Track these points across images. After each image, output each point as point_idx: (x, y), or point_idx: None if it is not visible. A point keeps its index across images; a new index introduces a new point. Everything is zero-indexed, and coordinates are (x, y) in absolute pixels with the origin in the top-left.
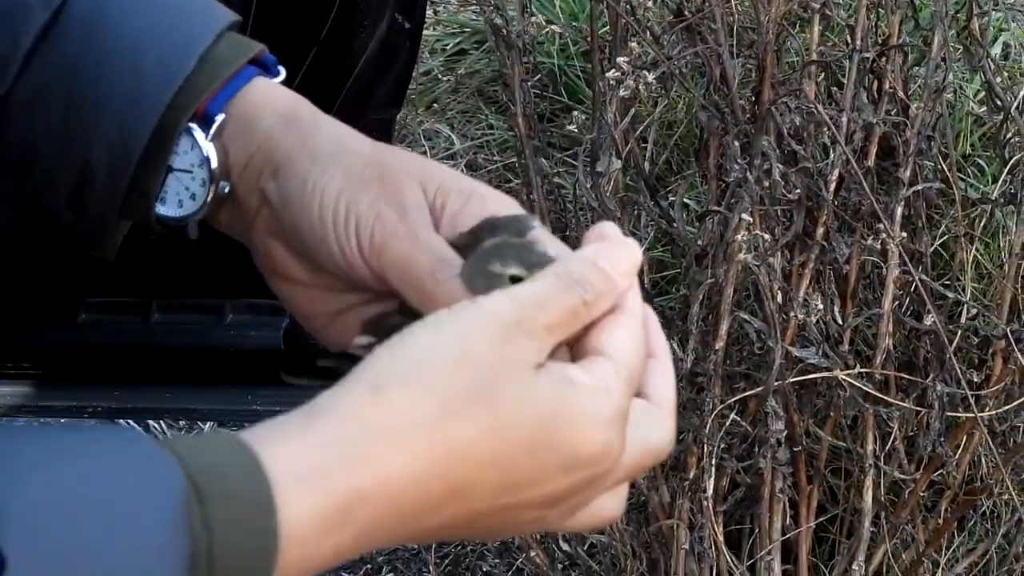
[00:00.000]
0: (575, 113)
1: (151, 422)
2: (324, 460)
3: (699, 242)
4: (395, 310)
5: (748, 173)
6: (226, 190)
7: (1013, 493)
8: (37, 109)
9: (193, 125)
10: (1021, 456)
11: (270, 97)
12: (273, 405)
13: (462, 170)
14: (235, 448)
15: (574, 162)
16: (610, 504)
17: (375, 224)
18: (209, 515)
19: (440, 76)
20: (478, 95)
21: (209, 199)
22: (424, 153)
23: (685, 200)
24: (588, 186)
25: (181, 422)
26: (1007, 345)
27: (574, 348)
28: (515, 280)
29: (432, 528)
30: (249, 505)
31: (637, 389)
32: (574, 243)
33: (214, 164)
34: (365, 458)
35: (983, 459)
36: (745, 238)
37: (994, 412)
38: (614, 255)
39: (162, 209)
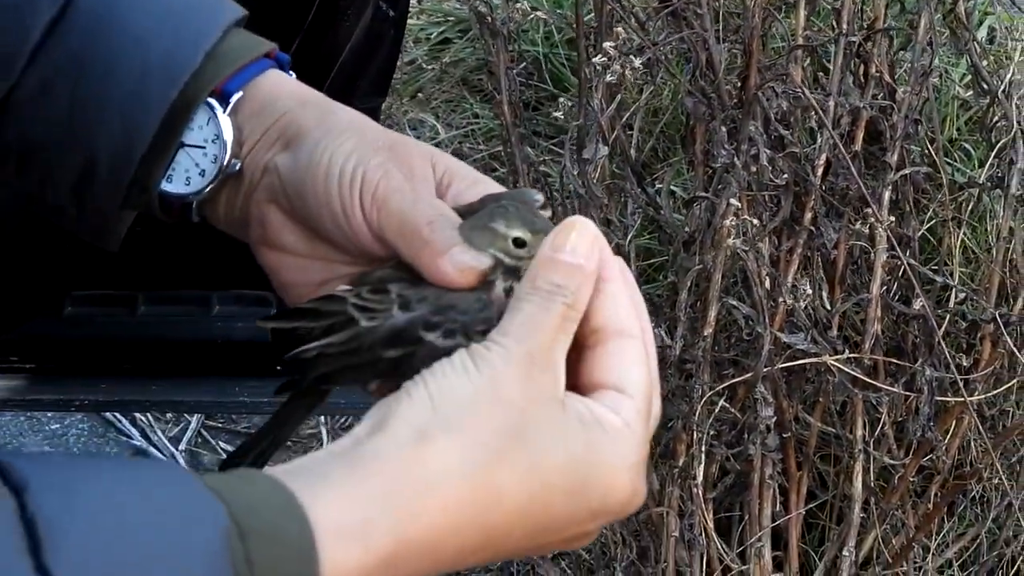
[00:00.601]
0: (561, 100)
1: (138, 415)
2: (369, 513)
3: (686, 229)
4: (382, 268)
5: (735, 158)
6: (236, 167)
7: (1003, 477)
8: (42, 103)
9: (211, 100)
10: (1010, 440)
11: (286, 85)
12: (260, 396)
13: None
14: (274, 489)
15: (560, 150)
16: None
17: (380, 180)
18: (251, 551)
19: (424, 65)
20: (463, 84)
21: (219, 175)
22: None
23: (671, 187)
24: (575, 173)
25: (168, 414)
26: (996, 329)
27: (586, 371)
28: (518, 243)
29: (461, 566)
30: (290, 546)
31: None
32: None
33: (228, 139)
34: (410, 511)
35: (972, 444)
36: (733, 223)
37: (983, 396)
38: (567, 242)
39: (168, 187)
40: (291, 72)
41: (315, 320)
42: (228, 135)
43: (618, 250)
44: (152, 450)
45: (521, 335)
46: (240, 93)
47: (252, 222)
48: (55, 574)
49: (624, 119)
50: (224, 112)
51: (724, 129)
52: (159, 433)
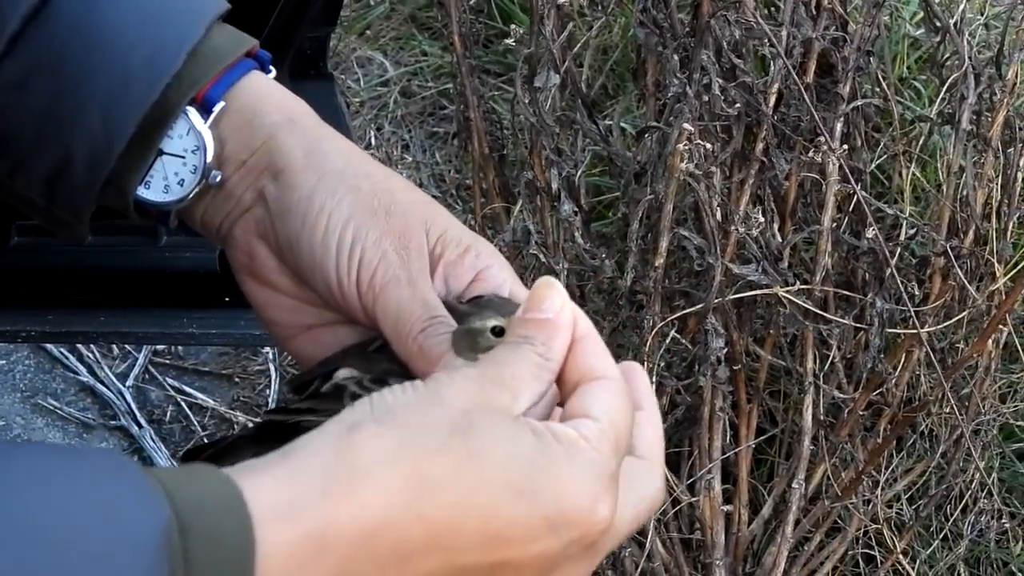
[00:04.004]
0: (512, 27)
1: (84, 346)
2: (297, 494)
3: (637, 160)
4: (384, 356)
5: (687, 87)
6: (217, 179)
7: (955, 407)
8: (20, 94)
9: (191, 110)
10: (959, 374)
11: (272, 94)
12: (209, 328)
13: (396, 97)
14: (220, 484)
15: (509, 88)
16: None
17: (379, 264)
18: (189, 549)
19: (372, 2)
20: (411, 21)
21: (198, 186)
22: (357, 80)
23: (621, 124)
24: (526, 101)
25: (115, 350)
26: (947, 262)
27: (561, 415)
28: (496, 332)
29: (412, 570)
30: (230, 542)
31: (624, 451)
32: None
33: (210, 151)
34: (338, 493)
35: (922, 378)
36: (686, 147)
37: (933, 328)
38: (538, 300)
39: (145, 193)
40: (271, 68)
41: (312, 416)
42: (209, 147)
43: (569, 181)
44: (99, 386)
45: (481, 365)
46: (222, 103)
47: (236, 247)
48: None
49: (574, 52)
50: (205, 123)
51: (676, 58)
52: (106, 369)
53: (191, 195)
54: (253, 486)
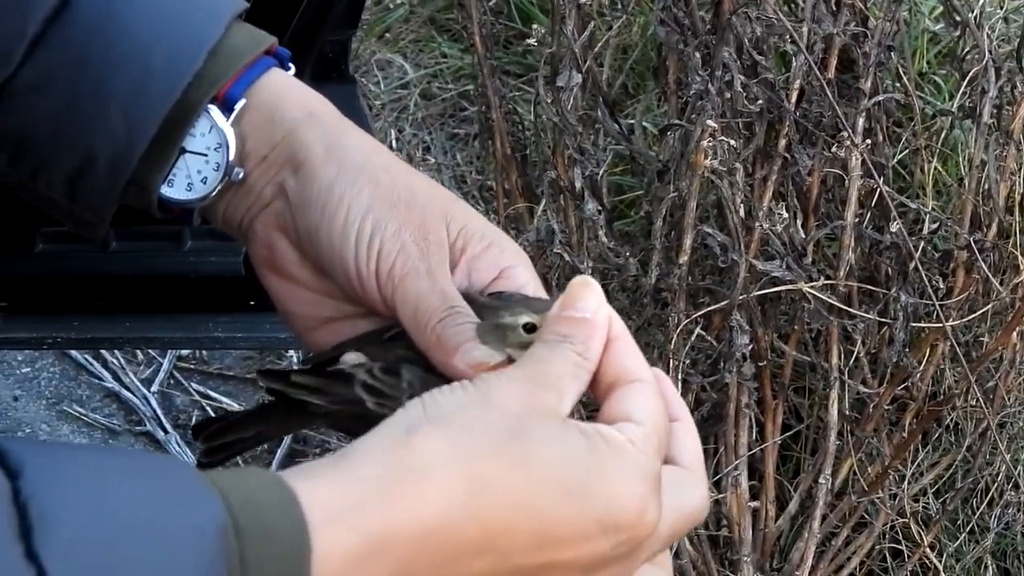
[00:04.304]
0: (535, 26)
1: (108, 352)
2: (356, 498)
3: (660, 158)
4: (400, 344)
5: (709, 84)
6: (240, 176)
7: (981, 399)
8: (41, 96)
9: (213, 108)
10: (984, 367)
11: (292, 90)
12: (234, 332)
13: (416, 100)
14: (274, 486)
15: (529, 88)
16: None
17: (398, 256)
18: (245, 550)
19: (391, 5)
20: (431, 23)
21: (221, 184)
22: (377, 83)
23: (642, 123)
24: (549, 101)
25: (140, 356)
26: (970, 255)
27: (599, 417)
28: (528, 328)
29: (464, 569)
30: (284, 543)
31: (664, 455)
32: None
33: (232, 149)
34: (397, 496)
35: (947, 372)
36: (709, 143)
37: (958, 322)
38: (574, 299)
39: (168, 192)
40: (291, 66)
41: (319, 397)
42: (232, 144)
43: (592, 180)
44: (124, 392)
45: (524, 366)
46: (243, 101)
47: (257, 241)
48: (44, 560)
49: (595, 51)
50: (228, 121)
51: (698, 55)
52: (131, 375)
53: (214, 193)
54: (308, 489)
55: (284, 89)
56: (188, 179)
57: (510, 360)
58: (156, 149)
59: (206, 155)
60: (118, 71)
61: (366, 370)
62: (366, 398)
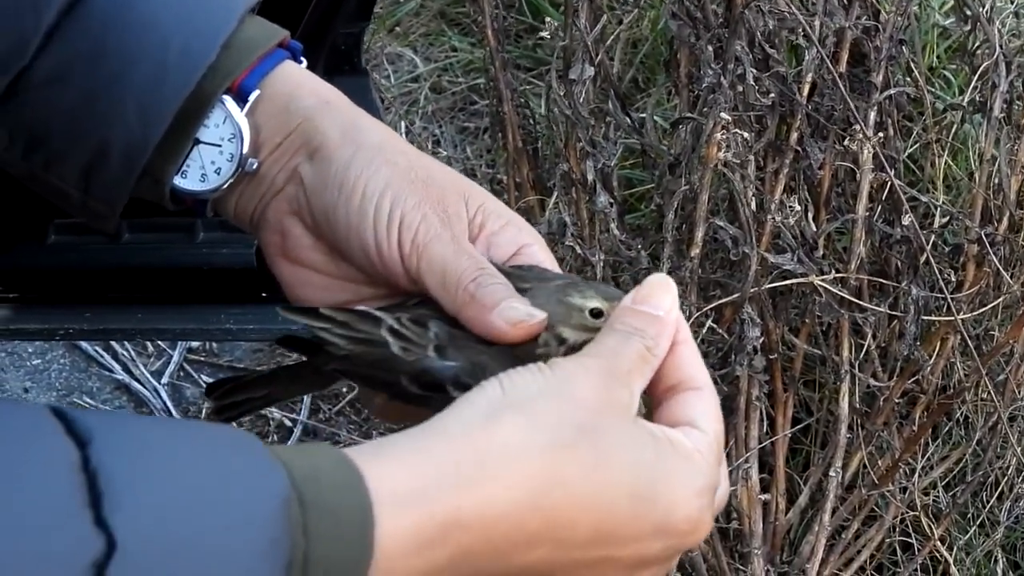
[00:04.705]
0: (548, 20)
1: (119, 344)
2: (428, 481)
3: (671, 152)
4: (426, 305)
5: (722, 78)
6: (254, 167)
7: (992, 393)
8: (56, 89)
9: (228, 99)
10: (995, 360)
11: (306, 81)
12: (245, 324)
13: (427, 93)
14: (338, 462)
15: (539, 82)
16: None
17: (420, 225)
18: (309, 522)
19: None
20: (441, 17)
21: (235, 174)
22: (388, 77)
23: (654, 117)
24: (561, 93)
25: (150, 348)
26: (981, 249)
27: (661, 418)
28: (594, 313)
29: (526, 566)
30: (347, 517)
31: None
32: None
33: (247, 139)
34: (469, 482)
35: (957, 366)
36: (723, 136)
37: (969, 315)
38: (649, 295)
39: (182, 183)
40: (303, 59)
41: (345, 330)
42: (246, 134)
43: (604, 173)
44: (134, 384)
45: (600, 353)
46: (258, 91)
47: (268, 228)
48: (114, 527)
49: (607, 44)
50: (242, 111)
51: (710, 49)
52: (141, 367)
53: (227, 183)
54: (377, 467)
55: (298, 80)
56: (202, 170)
57: (559, 340)
58: (170, 140)
59: (220, 146)
60: (133, 64)
61: (394, 316)
62: (391, 340)
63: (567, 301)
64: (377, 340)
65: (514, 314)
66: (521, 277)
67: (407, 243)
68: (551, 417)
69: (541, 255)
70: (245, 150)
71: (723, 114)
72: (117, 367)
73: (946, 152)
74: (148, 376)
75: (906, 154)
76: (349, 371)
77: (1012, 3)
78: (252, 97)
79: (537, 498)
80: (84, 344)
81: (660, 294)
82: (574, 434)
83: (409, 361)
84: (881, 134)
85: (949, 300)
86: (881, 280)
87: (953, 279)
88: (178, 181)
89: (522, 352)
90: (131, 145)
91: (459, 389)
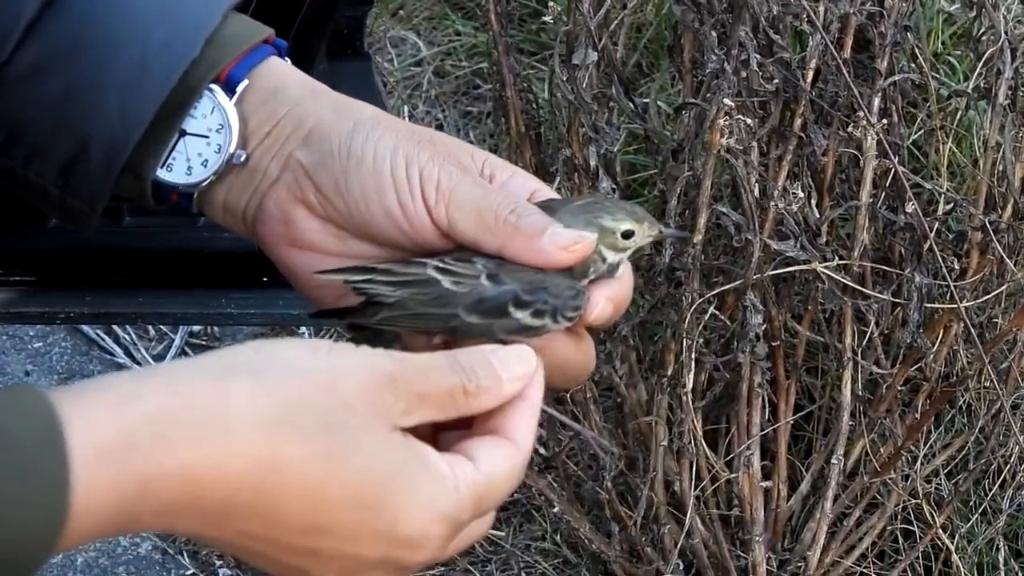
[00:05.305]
0: (551, 4)
1: (120, 327)
2: (134, 436)
3: (674, 137)
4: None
5: (725, 63)
6: (242, 158)
7: (995, 381)
8: (36, 83)
9: (216, 88)
10: (998, 348)
11: (293, 73)
12: (247, 308)
13: (430, 77)
14: (40, 412)
15: (543, 66)
16: None
17: (440, 174)
18: None
19: None
20: (444, 1)
21: (223, 166)
22: (391, 60)
23: (657, 102)
24: (564, 79)
25: (152, 331)
26: (984, 236)
27: (448, 443)
28: (626, 235)
29: (233, 536)
30: (40, 477)
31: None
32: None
33: (235, 129)
34: (178, 440)
35: (960, 353)
36: (726, 122)
37: (972, 303)
38: (508, 357)
39: (167, 176)
40: (287, 58)
41: (389, 277)
42: (235, 124)
43: (607, 158)
44: (136, 368)
45: (398, 359)
46: (246, 81)
47: (269, 219)
48: None
49: (610, 29)
50: (231, 101)
51: (714, 34)
52: (143, 351)
53: (215, 174)
54: (82, 419)
55: (285, 72)
56: (188, 162)
57: (602, 259)
58: (154, 132)
59: (207, 137)
60: (115, 57)
61: (438, 258)
62: (440, 278)
63: (599, 223)
64: (426, 279)
65: (564, 238)
66: (549, 208)
67: (431, 194)
68: (289, 395)
69: (551, 196)
70: (234, 140)
71: (727, 100)
72: (119, 351)
73: (950, 139)
74: (150, 360)
75: (910, 141)
76: (399, 319)
77: None
78: (240, 87)
79: (251, 475)
80: (85, 328)
81: (515, 363)
82: (311, 422)
83: (463, 293)
84: (885, 120)
85: (952, 288)
86: (884, 267)
87: (956, 267)
88: (163, 174)
89: (578, 273)
90: (112, 140)
91: (520, 308)
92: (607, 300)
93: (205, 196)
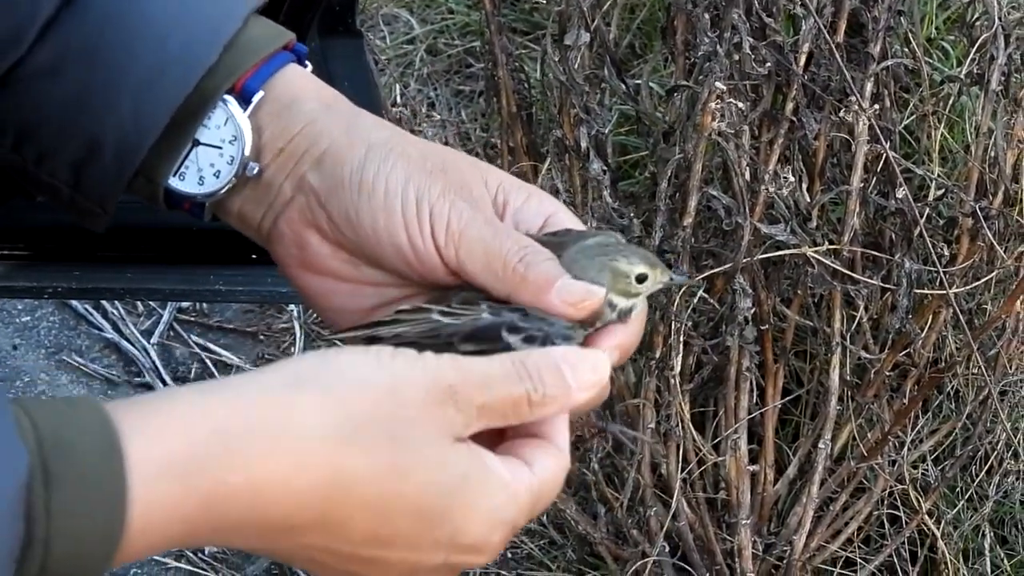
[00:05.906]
0: None
1: (109, 302)
2: (199, 453)
3: (666, 119)
4: (469, 291)
5: (718, 46)
6: (255, 171)
7: (983, 367)
8: (52, 82)
9: (231, 99)
10: (987, 335)
11: (309, 84)
12: (235, 285)
13: (422, 55)
14: (99, 425)
15: (535, 46)
16: None
17: (450, 213)
18: (52, 500)
19: None
20: None
21: (235, 178)
22: (383, 38)
23: (649, 84)
24: (556, 59)
25: (140, 307)
26: (975, 222)
27: (502, 447)
28: (640, 279)
29: (291, 547)
30: (98, 490)
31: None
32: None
33: (248, 141)
34: (245, 457)
35: (949, 339)
36: (717, 106)
37: (962, 289)
38: (582, 365)
39: (179, 185)
40: (307, 64)
41: (395, 325)
42: (248, 137)
43: (598, 140)
44: (124, 343)
45: (461, 369)
46: (261, 93)
47: (284, 241)
48: None
49: (603, 10)
50: (244, 113)
51: (707, 17)
52: (131, 326)
53: (226, 187)
54: (143, 434)
55: (302, 84)
56: (200, 172)
57: (611, 306)
58: (168, 139)
59: (220, 148)
60: (131, 59)
61: (445, 303)
62: (444, 320)
63: (614, 265)
64: (428, 320)
65: (574, 294)
66: (559, 244)
67: (441, 234)
68: (354, 407)
69: (568, 222)
70: (247, 153)
71: (719, 83)
72: (107, 326)
73: (942, 124)
74: (138, 335)
75: (902, 126)
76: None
77: None
78: (256, 99)
79: (316, 491)
80: (74, 302)
81: (588, 372)
82: (376, 433)
83: (460, 326)
84: (877, 105)
85: (942, 273)
86: (874, 252)
87: (946, 252)
88: (174, 183)
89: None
90: (124, 143)
91: (514, 333)
92: (612, 349)
93: (219, 205)
